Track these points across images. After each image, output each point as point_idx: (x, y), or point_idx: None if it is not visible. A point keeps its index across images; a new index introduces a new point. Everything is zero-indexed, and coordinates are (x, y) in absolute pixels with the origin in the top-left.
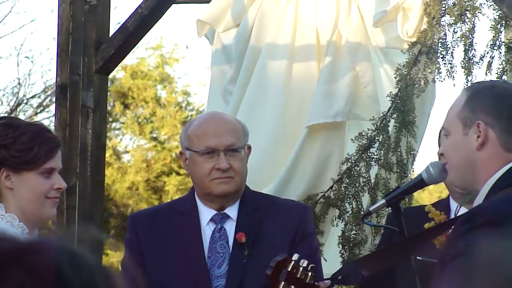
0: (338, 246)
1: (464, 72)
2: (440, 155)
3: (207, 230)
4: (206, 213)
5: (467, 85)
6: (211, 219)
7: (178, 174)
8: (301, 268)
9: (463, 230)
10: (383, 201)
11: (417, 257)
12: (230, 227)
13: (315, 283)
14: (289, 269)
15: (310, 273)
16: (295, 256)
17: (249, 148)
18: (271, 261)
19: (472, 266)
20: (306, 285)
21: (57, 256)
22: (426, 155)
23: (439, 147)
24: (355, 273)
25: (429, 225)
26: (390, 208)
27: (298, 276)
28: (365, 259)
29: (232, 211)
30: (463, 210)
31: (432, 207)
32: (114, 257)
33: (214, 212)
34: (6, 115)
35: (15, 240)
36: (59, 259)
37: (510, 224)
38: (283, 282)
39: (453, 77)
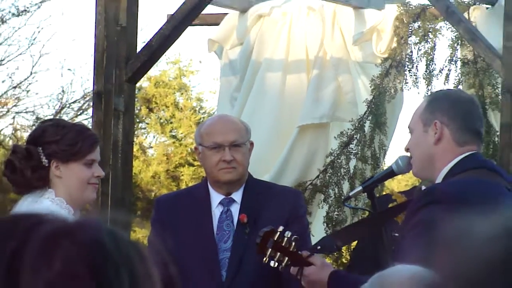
0: (323, 225)
1: (425, 82)
2: (406, 150)
3: (216, 211)
4: (215, 197)
5: (428, 94)
6: (220, 203)
7: (192, 165)
8: (285, 238)
9: (416, 206)
10: (360, 188)
11: (394, 234)
12: (235, 209)
13: (298, 251)
14: (275, 239)
15: (293, 243)
16: (281, 228)
17: (252, 144)
18: (260, 231)
19: (431, 239)
20: (290, 253)
21: (100, 232)
22: (395, 150)
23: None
24: (331, 244)
25: (392, 205)
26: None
27: (283, 244)
28: (339, 232)
29: (237, 195)
30: None
31: (395, 191)
32: (140, 233)
33: (222, 196)
34: (52, 117)
35: (65, 219)
36: (101, 235)
37: (451, 202)
38: (270, 249)
39: (418, 86)
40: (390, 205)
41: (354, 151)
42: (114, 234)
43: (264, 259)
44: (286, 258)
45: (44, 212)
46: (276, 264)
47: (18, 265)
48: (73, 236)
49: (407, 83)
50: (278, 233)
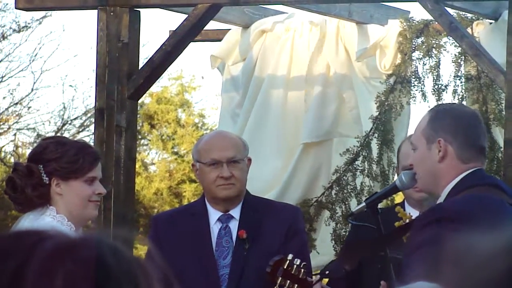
0: (331, 242)
1: (435, 97)
2: (410, 165)
3: (214, 228)
4: (214, 214)
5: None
6: (218, 219)
7: (194, 182)
8: (295, 266)
9: (422, 224)
10: (364, 204)
11: (397, 256)
12: (233, 226)
13: (307, 278)
14: (285, 267)
15: (303, 270)
16: (290, 256)
17: (249, 160)
18: (270, 261)
19: (438, 255)
20: (300, 280)
21: (102, 249)
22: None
23: (397, 162)
24: (339, 268)
25: (399, 223)
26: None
27: (293, 272)
28: (346, 255)
29: (236, 212)
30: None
31: (401, 208)
32: (142, 250)
33: (221, 213)
34: (53, 133)
35: (67, 235)
36: (103, 252)
37: (457, 219)
38: (280, 278)
39: (427, 101)
40: (397, 224)
41: (360, 168)
42: (117, 250)
43: (275, 287)
44: (296, 285)
45: (46, 228)
46: None
47: (21, 283)
48: (75, 252)
49: (415, 98)
50: (288, 261)
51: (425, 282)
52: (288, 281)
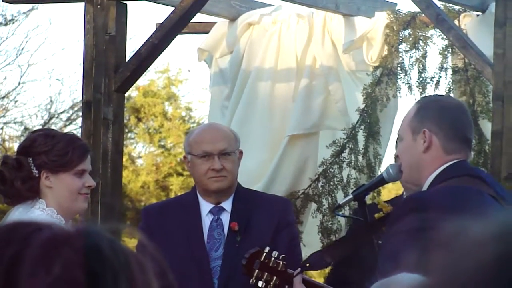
0: (318, 234)
1: (419, 90)
2: (396, 156)
3: (206, 220)
4: (205, 206)
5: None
6: (210, 211)
7: (181, 175)
8: (273, 258)
9: (399, 213)
10: (351, 196)
11: (379, 241)
12: (225, 218)
13: (287, 270)
14: (261, 259)
15: (281, 262)
16: (267, 249)
17: (241, 152)
18: (246, 253)
19: (414, 244)
20: (278, 272)
21: (99, 239)
22: (390, 159)
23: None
24: (320, 261)
25: (379, 215)
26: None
27: (270, 265)
28: (328, 248)
29: (227, 204)
30: None
31: (381, 200)
32: (129, 243)
33: (212, 205)
34: (40, 127)
35: (64, 227)
36: (100, 242)
37: (430, 209)
38: (256, 270)
39: (413, 93)
40: (376, 215)
41: (347, 160)
42: (113, 241)
43: (251, 280)
44: (275, 278)
45: (43, 219)
46: (264, 284)
47: (17, 271)
48: (72, 242)
49: (400, 91)
50: (265, 253)
51: (407, 273)
52: (266, 274)
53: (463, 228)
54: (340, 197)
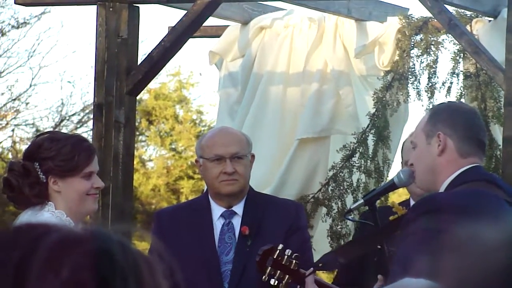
0: (327, 238)
1: (427, 95)
2: (410, 165)
3: (217, 224)
4: (217, 210)
5: (430, 107)
6: (221, 215)
7: (192, 178)
8: (285, 256)
9: (414, 215)
10: (362, 200)
11: (391, 248)
12: (236, 222)
13: (300, 269)
14: (274, 257)
15: (294, 261)
16: (280, 246)
17: (253, 156)
18: (259, 250)
19: (428, 246)
20: (291, 271)
21: (108, 242)
22: (400, 164)
23: (401, 157)
24: (333, 261)
25: (393, 217)
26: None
27: (283, 262)
28: (341, 248)
29: (239, 208)
30: None
31: (396, 203)
32: (140, 246)
33: (223, 209)
34: (51, 129)
35: (74, 230)
36: (110, 244)
37: (448, 211)
38: (269, 267)
39: (421, 99)
40: (391, 218)
41: (357, 165)
42: (123, 244)
43: (264, 277)
44: (287, 276)
45: (52, 222)
46: (276, 282)
47: (26, 273)
48: (82, 245)
49: (410, 96)
50: (278, 251)
51: (411, 278)
52: (279, 271)
53: (475, 233)
54: (350, 202)
